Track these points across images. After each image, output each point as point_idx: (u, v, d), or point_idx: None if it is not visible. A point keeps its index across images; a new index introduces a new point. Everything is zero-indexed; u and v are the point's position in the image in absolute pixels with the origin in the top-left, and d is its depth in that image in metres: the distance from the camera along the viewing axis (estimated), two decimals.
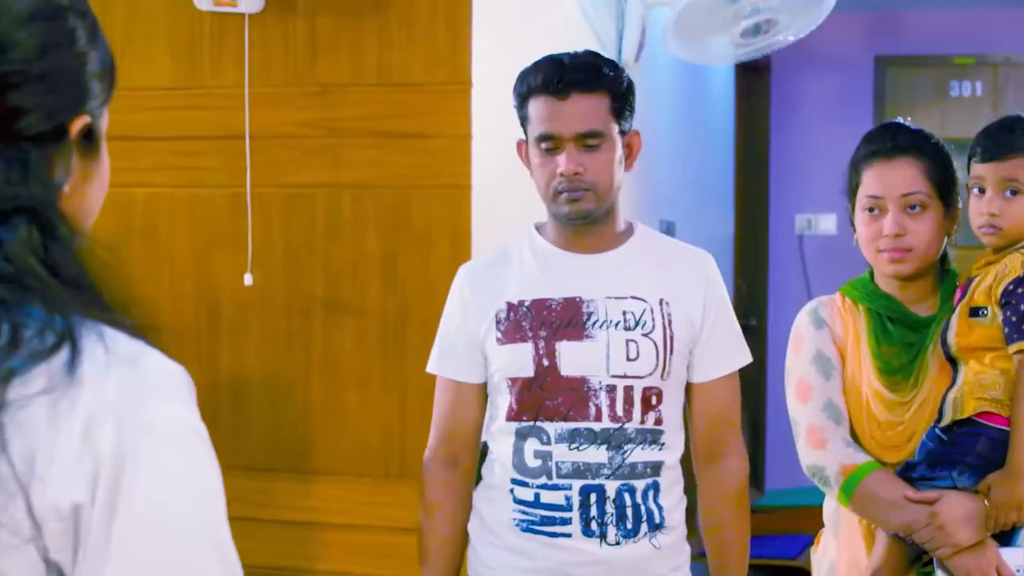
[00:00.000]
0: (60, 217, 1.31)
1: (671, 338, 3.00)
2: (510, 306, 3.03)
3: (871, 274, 3.15)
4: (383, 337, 4.13)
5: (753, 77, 8.53)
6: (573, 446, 2.94)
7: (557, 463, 2.96)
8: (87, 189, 1.39)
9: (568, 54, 3.03)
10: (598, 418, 2.95)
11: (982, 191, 2.96)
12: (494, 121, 4.08)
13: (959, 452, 2.87)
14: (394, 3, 4.08)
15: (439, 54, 4.05)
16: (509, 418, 3.02)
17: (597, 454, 2.95)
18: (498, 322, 3.03)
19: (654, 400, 2.99)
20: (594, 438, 2.95)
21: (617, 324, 2.97)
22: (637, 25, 5.21)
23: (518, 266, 3.08)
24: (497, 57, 4.14)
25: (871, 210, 3.04)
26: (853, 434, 3.05)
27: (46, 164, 1.31)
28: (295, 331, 4.22)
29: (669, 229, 6.38)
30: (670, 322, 3.00)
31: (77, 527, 1.20)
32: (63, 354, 1.24)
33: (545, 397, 2.97)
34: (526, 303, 3.01)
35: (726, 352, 3.10)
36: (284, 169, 4.20)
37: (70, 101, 1.34)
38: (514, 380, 3.01)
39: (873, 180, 3.04)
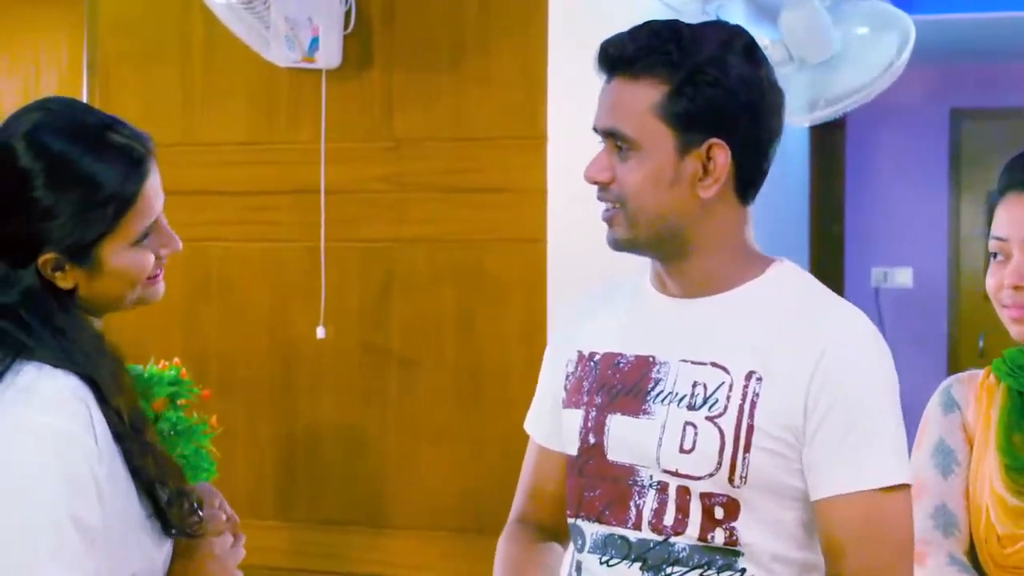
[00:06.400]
0: (32, 312, 1.91)
1: (749, 429, 2.01)
2: (580, 357, 2.21)
3: None
4: (458, 391, 4.13)
5: (828, 131, 8.48)
6: (604, 559, 2.11)
7: None
8: (96, 284, 1.96)
9: (651, 21, 2.12)
10: (636, 525, 2.08)
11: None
12: (569, 174, 4.07)
13: None
14: (470, 58, 4.10)
15: (514, 108, 4.06)
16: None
17: (628, 574, 2.09)
18: (567, 376, 2.23)
19: (720, 513, 2.03)
20: (627, 551, 2.09)
21: (681, 399, 2.06)
22: None
23: (612, 307, 2.24)
24: (572, 111, 4.13)
25: (995, 255, 2.29)
26: (973, 550, 2.30)
27: (17, 278, 1.92)
28: (370, 385, 4.22)
29: None
30: (753, 405, 2.02)
31: None
32: None
33: (585, 486, 2.14)
34: (597, 356, 2.18)
35: (850, 460, 2.00)
36: (358, 224, 4.22)
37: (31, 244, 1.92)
38: (567, 458, 2.21)
39: (1001, 217, 2.28)
